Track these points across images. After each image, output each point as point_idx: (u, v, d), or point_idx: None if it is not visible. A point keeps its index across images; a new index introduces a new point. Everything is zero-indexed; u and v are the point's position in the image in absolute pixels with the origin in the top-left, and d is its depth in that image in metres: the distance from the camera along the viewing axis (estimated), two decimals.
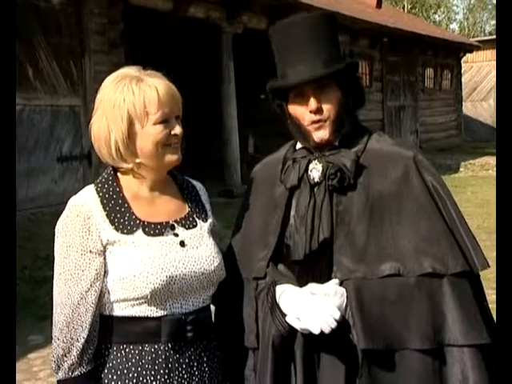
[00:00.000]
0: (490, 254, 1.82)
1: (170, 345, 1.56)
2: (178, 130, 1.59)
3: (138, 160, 1.59)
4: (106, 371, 1.57)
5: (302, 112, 1.64)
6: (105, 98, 1.57)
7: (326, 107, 1.63)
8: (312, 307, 1.51)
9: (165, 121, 1.57)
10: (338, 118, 1.64)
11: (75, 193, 1.64)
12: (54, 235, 1.62)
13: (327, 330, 1.47)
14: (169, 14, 9.33)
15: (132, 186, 1.63)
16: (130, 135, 1.56)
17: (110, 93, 1.57)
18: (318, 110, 1.62)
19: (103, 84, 1.61)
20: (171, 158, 1.59)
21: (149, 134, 1.56)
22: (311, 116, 1.63)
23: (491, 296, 1.68)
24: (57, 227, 1.60)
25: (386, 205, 1.61)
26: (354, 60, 1.73)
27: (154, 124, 1.56)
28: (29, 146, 7.22)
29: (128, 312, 1.57)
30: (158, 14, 9.33)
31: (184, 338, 1.58)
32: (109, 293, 1.57)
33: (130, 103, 1.54)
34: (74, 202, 1.59)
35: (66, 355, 1.56)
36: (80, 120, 7.80)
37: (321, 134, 1.64)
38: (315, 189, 1.66)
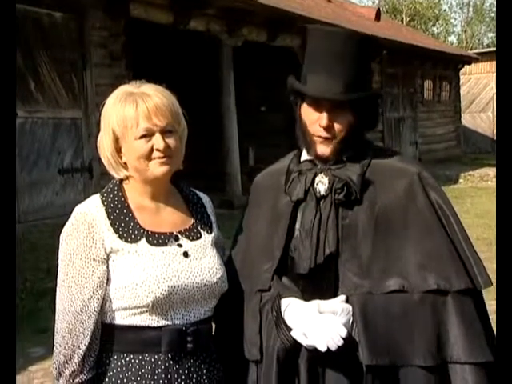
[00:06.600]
0: (490, 266, 1.82)
1: (169, 355, 1.57)
2: (160, 144, 1.56)
3: (127, 173, 1.63)
4: (106, 380, 1.58)
5: (312, 121, 1.65)
6: (102, 114, 1.64)
7: (336, 127, 1.63)
8: (319, 324, 1.51)
9: (146, 135, 1.57)
10: (344, 139, 1.64)
11: (76, 205, 1.66)
12: (55, 247, 1.64)
13: (333, 348, 1.48)
14: (170, 26, 9.38)
15: (136, 196, 1.65)
16: (118, 150, 1.62)
17: (106, 110, 1.63)
18: (328, 128, 1.62)
19: (107, 100, 1.65)
20: (156, 171, 1.59)
21: (131, 149, 1.59)
22: (320, 130, 1.63)
23: (492, 307, 1.68)
24: (61, 235, 1.62)
25: (391, 220, 1.62)
26: (378, 91, 1.72)
27: (135, 139, 1.58)
28: (31, 158, 7.23)
29: (129, 321, 1.57)
30: (159, 27, 9.38)
31: (184, 349, 1.58)
32: (111, 301, 1.58)
33: (113, 121, 1.59)
34: (79, 210, 1.62)
35: (67, 362, 1.57)
36: (81, 132, 7.81)
37: (322, 149, 1.64)
38: (321, 202, 1.66)
